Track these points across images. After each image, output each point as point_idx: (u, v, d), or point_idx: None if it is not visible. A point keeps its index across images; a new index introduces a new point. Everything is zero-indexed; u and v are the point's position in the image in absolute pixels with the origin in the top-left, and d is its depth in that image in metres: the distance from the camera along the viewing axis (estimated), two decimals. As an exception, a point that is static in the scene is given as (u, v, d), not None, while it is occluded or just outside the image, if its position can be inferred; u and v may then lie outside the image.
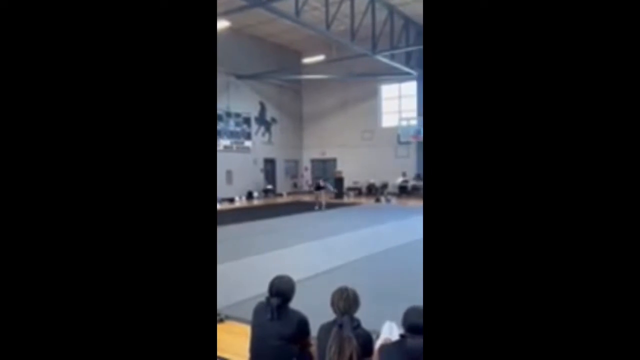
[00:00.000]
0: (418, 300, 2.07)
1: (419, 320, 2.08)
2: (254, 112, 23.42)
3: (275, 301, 2.75)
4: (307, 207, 16.92)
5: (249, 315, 3.01)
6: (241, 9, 14.79)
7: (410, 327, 2.19)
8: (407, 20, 18.68)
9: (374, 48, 17.25)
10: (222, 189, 20.13)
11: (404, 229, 10.98)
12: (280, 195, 23.66)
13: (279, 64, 23.05)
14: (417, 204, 17.25)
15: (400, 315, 2.34)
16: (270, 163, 24.19)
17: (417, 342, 2.06)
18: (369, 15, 16.81)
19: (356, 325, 2.41)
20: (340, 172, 22.43)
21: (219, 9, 13.74)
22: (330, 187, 19.66)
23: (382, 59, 18.17)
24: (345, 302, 2.44)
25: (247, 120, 22.91)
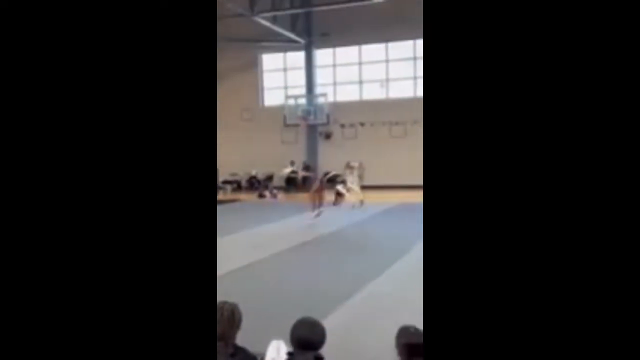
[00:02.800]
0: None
1: (308, 333, 2.11)
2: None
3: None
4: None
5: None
6: None
7: (298, 343, 2.13)
8: (294, -26, 15.87)
9: (252, 7, 15.72)
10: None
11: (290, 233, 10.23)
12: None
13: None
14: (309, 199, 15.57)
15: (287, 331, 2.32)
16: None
17: (307, 358, 2.06)
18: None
19: (232, 352, 2.23)
20: (212, 163, 18.32)
21: None
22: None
23: (263, 21, 16.50)
24: (220, 324, 2.24)
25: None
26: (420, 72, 19.42)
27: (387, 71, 19.92)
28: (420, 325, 1.89)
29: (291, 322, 2.31)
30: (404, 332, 2.11)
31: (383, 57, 19.94)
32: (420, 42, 19.34)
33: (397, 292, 5.68)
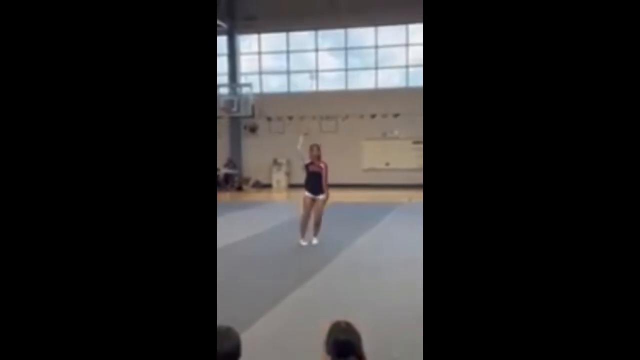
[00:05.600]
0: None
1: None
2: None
3: None
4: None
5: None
6: None
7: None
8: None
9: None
10: None
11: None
12: None
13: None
14: (235, 198, 14.79)
15: None
16: None
17: None
18: None
19: None
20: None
21: None
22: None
23: None
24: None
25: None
26: (351, 63, 18.46)
27: (317, 62, 18.68)
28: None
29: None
30: (336, 328, 2.01)
31: (313, 46, 18.69)
32: (351, 32, 18.37)
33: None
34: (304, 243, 7.68)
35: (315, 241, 7.71)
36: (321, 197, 7.65)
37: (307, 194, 7.70)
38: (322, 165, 7.68)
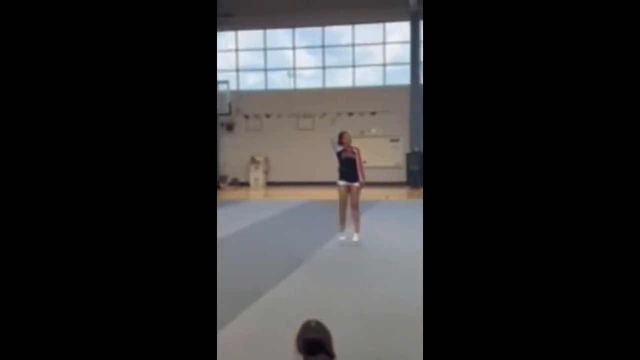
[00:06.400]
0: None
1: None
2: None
3: None
4: None
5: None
6: None
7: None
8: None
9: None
10: None
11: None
12: None
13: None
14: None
15: None
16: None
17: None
18: None
19: None
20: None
21: None
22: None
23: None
24: None
25: None
26: (328, 61, 18.47)
27: (295, 59, 18.64)
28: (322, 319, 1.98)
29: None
30: (306, 327, 2.03)
31: (290, 44, 18.65)
32: (329, 30, 18.38)
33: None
34: (342, 238, 7.28)
35: (355, 238, 7.21)
36: (356, 184, 7.22)
37: (340, 183, 7.29)
38: (354, 150, 7.29)
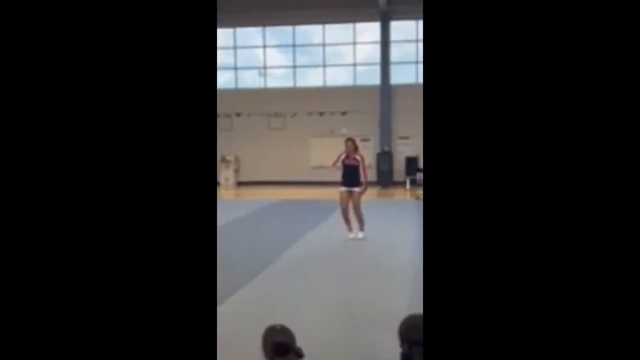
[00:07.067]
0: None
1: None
2: None
3: None
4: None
5: None
6: None
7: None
8: None
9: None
10: None
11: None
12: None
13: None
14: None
15: None
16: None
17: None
18: None
19: None
20: None
21: None
22: None
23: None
24: None
25: None
26: (299, 61, 18.46)
27: (265, 58, 18.57)
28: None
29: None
30: (271, 331, 2.08)
31: (261, 43, 18.56)
32: (300, 29, 18.36)
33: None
34: (351, 236, 7.73)
35: (360, 235, 7.72)
36: (357, 189, 7.72)
37: (342, 188, 7.80)
38: (358, 157, 7.81)
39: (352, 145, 7.78)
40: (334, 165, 7.90)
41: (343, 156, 7.83)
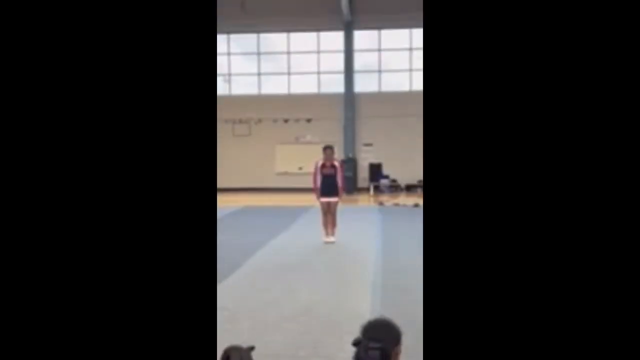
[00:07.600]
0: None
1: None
2: None
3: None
4: None
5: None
6: None
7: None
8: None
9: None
10: None
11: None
12: None
13: None
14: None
15: None
16: None
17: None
18: None
19: None
20: None
21: None
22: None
23: None
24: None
25: None
26: (264, 68, 18.51)
27: (230, 65, 18.53)
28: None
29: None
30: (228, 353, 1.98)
31: (225, 50, 18.53)
32: (263, 36, 18.43)
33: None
34: (327, 240, 8.12)
35: (332, 239, 8.08)
36: (334, 199, 8.07)
37: (322, 199, 8.05)
38: (335, 164, 8.15)
39: (331, 154, 8.07)
40: (314, 184, 8.06)
41: (319, 165, 8.03)
